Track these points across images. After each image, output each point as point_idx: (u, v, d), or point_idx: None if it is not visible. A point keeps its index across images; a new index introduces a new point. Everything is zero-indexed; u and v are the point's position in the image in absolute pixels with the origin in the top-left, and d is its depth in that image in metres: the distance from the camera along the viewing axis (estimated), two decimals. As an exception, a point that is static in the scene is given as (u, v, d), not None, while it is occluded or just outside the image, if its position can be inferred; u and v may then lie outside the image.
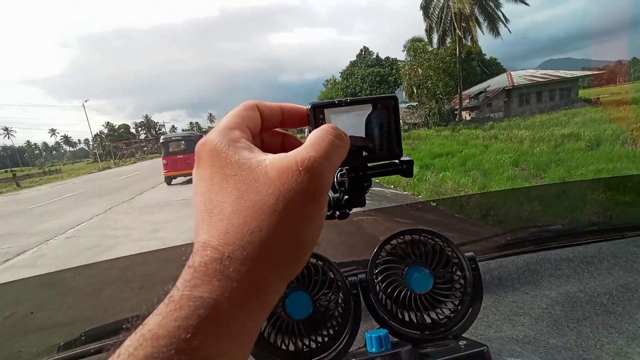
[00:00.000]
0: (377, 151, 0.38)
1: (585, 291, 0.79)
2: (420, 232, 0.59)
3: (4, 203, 17.08)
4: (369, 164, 0.40)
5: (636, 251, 0.89)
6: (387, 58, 33.99)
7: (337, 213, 0.46)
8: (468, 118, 24.04)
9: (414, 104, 25.01)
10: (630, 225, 0.99)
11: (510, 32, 21.34)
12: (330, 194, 0.44)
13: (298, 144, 0.33)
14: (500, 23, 21.13)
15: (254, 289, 0.22)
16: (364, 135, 0.37)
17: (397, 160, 0.40)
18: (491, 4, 21.01)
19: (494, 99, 23.64)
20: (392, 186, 9.34)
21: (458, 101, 23.22)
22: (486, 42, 22.27)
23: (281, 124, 0.33)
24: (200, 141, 0.28)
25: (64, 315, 1.18)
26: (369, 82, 29.82)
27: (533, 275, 0.84)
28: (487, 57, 31.83)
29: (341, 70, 34.21)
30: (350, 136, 0.37)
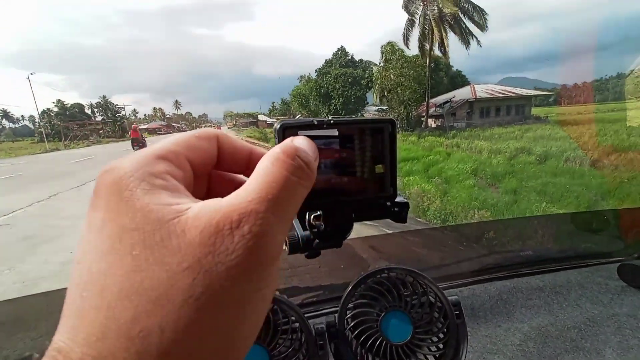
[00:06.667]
0: (365, 191, 0.29)
1: (555, 325, 0.77)
2: (400, 271, 0.51)
3: None
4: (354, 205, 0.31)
5: (600, 281, 0.89)
6: (361, 60, 34.47)
7: (307, 253, 0.36)
8: (433, 125, 25.08)
9: (384, 107, 25.62)
10: (593, 253, 1.01)
11: (480, 46, 22.49)
12: (299, 231, 0.35)
13: None
14: (471, 37, 22.21)
15: None
16: (348, 169, 0.28)
17: (388, 203, 0.31)
18: (465, 17, 22.00)
19: (458, 109, 24.87)
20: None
21: (425, 108, 24.14)
22: (453, 55, 23.32)
23: (245, 172, 0.23)
24: (105, 167, 0.18)
25: None
26: (342, 82, 30.03)
27: (505, 306, 0.81)
28: (454, 69, 33.43)
29: (317, 68, 34.11)
30: (329, 173, 0.27)
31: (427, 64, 22.72)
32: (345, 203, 0.29)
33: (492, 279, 0.87)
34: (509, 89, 27.18)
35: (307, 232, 0.34)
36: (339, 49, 34.66)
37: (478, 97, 24.51)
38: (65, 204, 8.46)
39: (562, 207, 6.62)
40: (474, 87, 26.28)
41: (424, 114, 24.59)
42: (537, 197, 7.34)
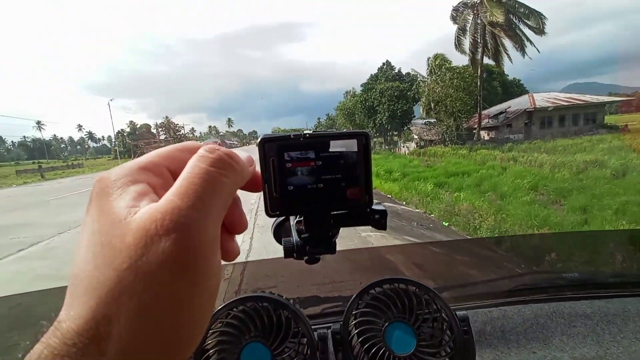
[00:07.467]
0: (342, 198, 0.31)
1: (605, 358, 0.67)
2: (406, 282, 0.51)
3: (28, 193, 17.78)
4: (333, 213, 0.34)
5: (667, 312, 0.76)
6: (408, 74, 33.97)
7: (306, 257, 0.39)
8: (487, 138, 23.55)
9: (432, 120, 24.76)
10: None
11: (537, 52, 20.88)
12: (296, 237, 0.38)
13: None
14: (526, 43, 20.73)
15: None
16: (323, 178, 0.30)
17: (367, 209, 0.33)
18: (518, 23, 20.67)
19: (514, 120, 23.10)
20: (404, 203, 9.14)
21: (477, 120, 22.82)
22: (508, 63, 21.83)
23: None
24: (97, 177, 0.22)
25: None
26: (388, 96, 29.74)
27: (542, 331, 0.74)
28: (510, 77, 31.34)
29: (362, 83, 34.36)
30: (306, 182, 0.30)
31: (479, 74, 21.62)
32: (322, 210, 0.32)
33: (528, 301, 0.79)
34: (576, 96, 24.63)
35: (297, 239, 0.37)
36: (384, 63, 34.62)
37: (538, 106, 22.56)
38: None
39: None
40: (532, 96, 24.29)
41: (475, 126, 23.24)
42: (613, 216, 6.41)
